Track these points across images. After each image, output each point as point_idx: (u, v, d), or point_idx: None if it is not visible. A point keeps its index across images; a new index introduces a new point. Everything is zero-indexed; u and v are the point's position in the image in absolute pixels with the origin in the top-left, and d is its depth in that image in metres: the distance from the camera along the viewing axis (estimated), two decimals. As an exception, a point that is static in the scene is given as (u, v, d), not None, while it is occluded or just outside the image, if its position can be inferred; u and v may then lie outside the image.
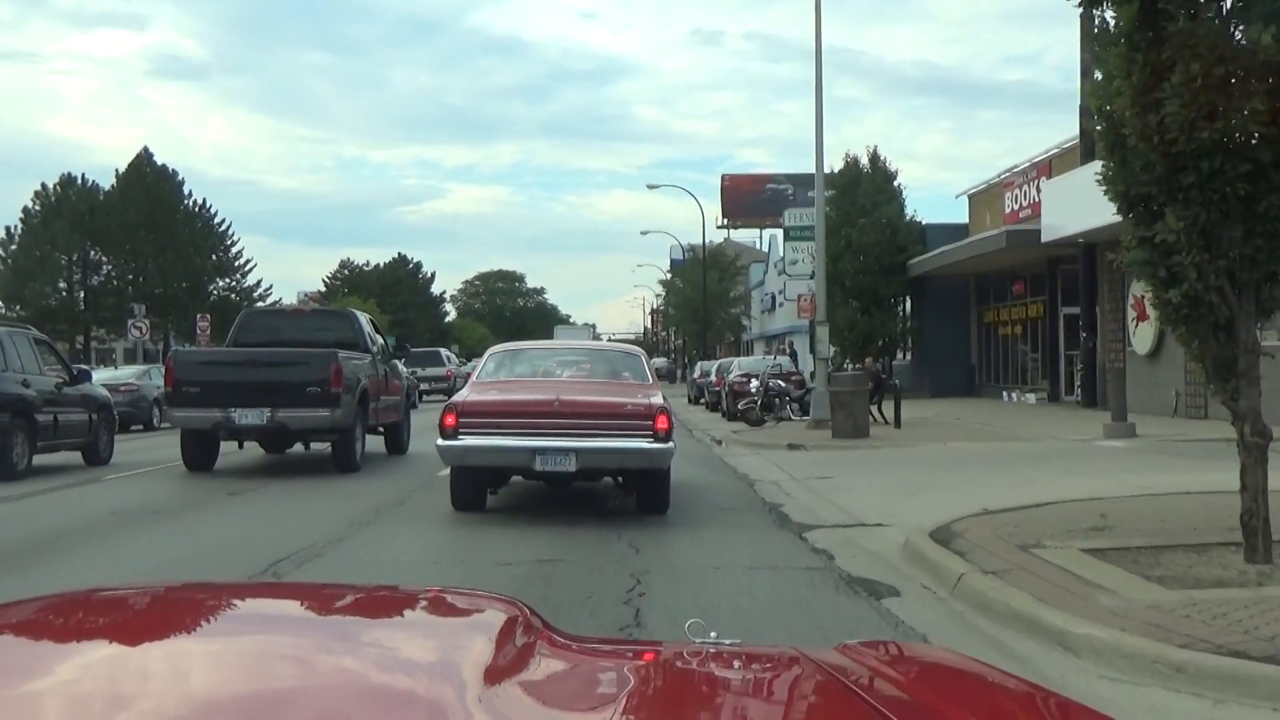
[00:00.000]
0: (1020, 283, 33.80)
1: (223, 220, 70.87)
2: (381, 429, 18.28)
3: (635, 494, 11.28)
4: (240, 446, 17.56)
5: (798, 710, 1.67)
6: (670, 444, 10.50)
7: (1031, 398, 31.14)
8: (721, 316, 69.10)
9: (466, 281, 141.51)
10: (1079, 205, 22.80)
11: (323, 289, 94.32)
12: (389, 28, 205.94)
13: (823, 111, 23.59)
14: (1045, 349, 31.72)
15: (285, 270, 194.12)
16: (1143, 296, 23.78)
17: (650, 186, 67.54)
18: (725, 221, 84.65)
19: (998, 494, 11.05)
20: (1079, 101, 25.27)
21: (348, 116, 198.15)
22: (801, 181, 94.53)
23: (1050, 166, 29.36)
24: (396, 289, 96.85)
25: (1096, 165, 7.79)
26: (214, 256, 69.55)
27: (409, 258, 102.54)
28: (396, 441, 18.90)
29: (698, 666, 1.74)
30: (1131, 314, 25.29)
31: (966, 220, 37.39)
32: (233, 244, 70.85)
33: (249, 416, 15.50)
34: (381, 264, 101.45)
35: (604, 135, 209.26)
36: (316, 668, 1.56)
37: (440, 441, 10.63)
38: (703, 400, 39.77)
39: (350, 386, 15.74)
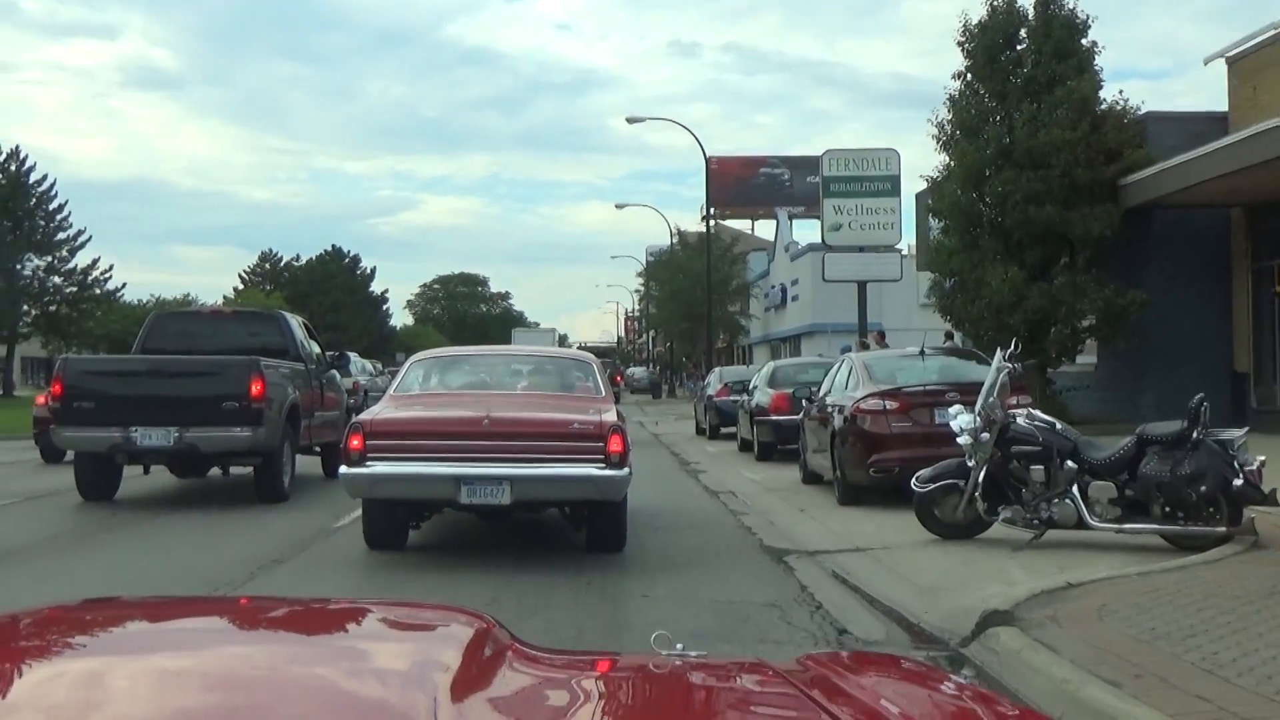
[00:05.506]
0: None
1: (43, 178, 51.90)
2: (318, 449, 16.45)
3: (585, 529, 10.01)
4: (146, 471, 15.83)
5: (761, 717, 1.76)
6: (625, 470, 9.20)
7: None
8: (718, 313, 51.61)
9: (425, 285, 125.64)
10: None
11: (239, 286, 77.36)
12: (363, 39, 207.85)
13: None
14: None
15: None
16: None
17: (630, 120, 49.02)
18: (712, 211, 67.62)
19: None
20: None
21: (322, 128, 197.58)
22: (799, 165, 78.27)
23: None
24: (328, 286, 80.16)
25: None
26: (26, 224, 50.51)
27: (345, 250, 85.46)
28: (335, 463, 16.47)
29: (665, 677, 1.82)
30: None
31: (1225, 106, 20.01)
32: (57, 211, 51.89)
33: (153, 437, 13.53)
34: (312, 258, 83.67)
35: (578, 147, 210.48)
36: (289, 680, 1.64)
37: (344, 469, 9.37)
38: (726, 431, 21.41)
39: (276, 401, 13.97)
